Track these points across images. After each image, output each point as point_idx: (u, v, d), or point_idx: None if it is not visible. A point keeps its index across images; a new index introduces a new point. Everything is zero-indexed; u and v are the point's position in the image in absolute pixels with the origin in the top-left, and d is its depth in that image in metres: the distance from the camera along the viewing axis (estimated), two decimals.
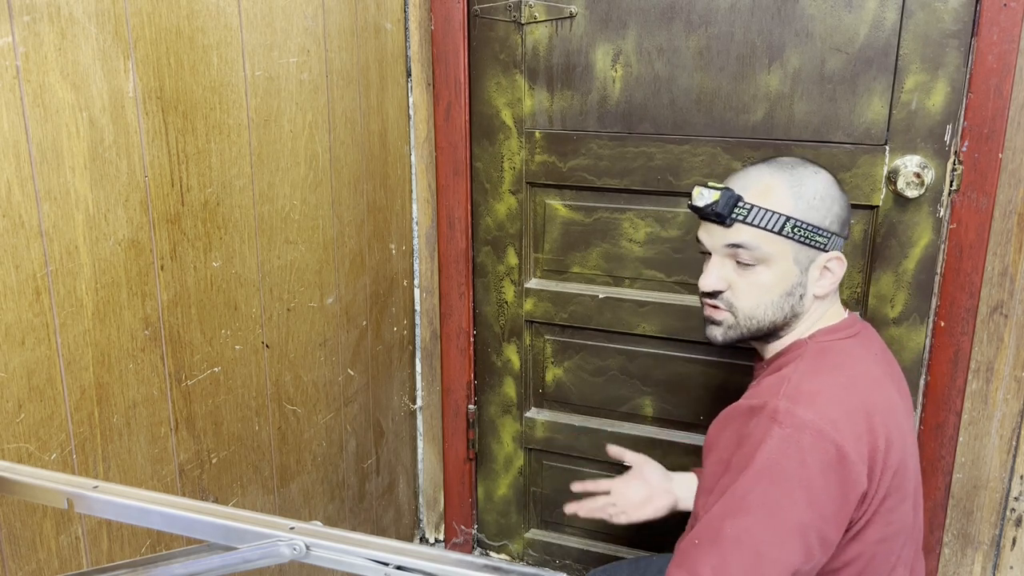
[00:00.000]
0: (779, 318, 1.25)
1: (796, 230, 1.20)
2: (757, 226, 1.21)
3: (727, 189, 1.22)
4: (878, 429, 1.16)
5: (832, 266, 1.23)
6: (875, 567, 1.19)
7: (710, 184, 1.24)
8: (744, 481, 1.11)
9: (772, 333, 1.27)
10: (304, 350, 1.62)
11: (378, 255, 1.84)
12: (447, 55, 1.85)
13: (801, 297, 1.24)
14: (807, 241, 1.21)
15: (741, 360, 1.81)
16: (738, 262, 1.24)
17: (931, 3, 1.52)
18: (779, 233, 1.20)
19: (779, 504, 1.09)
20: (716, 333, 1.29)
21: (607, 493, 1.48)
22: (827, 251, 1.22)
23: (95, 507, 0.84)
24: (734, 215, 1.21)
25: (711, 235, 1.26)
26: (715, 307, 1.28)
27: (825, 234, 1.21)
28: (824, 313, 1.27)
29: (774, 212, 1.20)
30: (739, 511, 1.10)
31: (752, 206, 1.21)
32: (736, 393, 1.65)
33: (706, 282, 1.26)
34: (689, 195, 1.74)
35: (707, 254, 1.28)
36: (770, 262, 1.22)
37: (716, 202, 1.22)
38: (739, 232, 1.22)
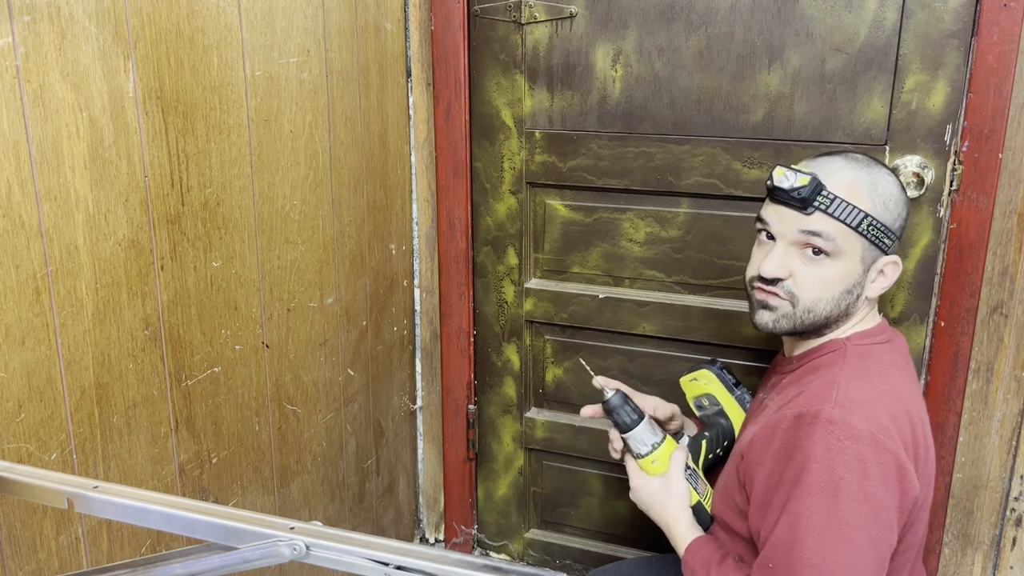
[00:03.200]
0: (834, 314, 1.22)
1: (871, 228, 1.19)
2: (837, 217, 1.18)
3: (814, 175, 1.19)
4: (919, 438, 1.15)
5: (888, 270, 1.22)
6: None
7: (793, 167, 1.21)
8: (806, 498, 1.08)
9: (819, 329, 1.25)
10: (304, 350, 1.62)
11: (378, 255, 1.84)
12: (447, 55, 1.85)
13: (858, 297, 1.22)
14: (877, 241, 1.20)
15: (743, 360, 1.81)
16: (811, 251, 1.20)
17: (931, 3, 1.52)
18: (855, 228, 1.18)
19: (847, 523, 1.07)
20: (767, 319, 1.25)
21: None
22: (888, 253, 1.22)
23: (95, 507, 0.84)
24: (817, 203, 1.18)
25: (782, 220, 1.21)
26: (773, 293, 1.24)
27: (892, 235, 1.21)
28: (865, 316, 1.26)
29: (855, 206, 1.18)
30: (808, 533, 1.07)
31: (835, 197, 1.18)
32: None
33: (769, 267, 1.21)
34: (690, 195, 1.76)
35: (765, 236, 1.25)
36: (840, 256, 1.19)
37: (804, 186, 1.18)
38: (818, 221, 1.19)
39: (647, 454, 1.31)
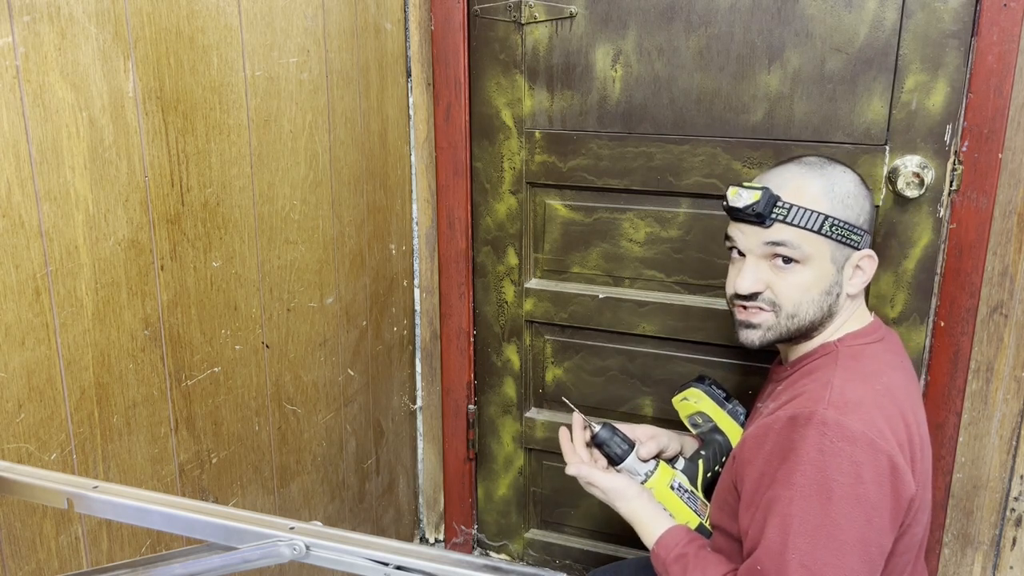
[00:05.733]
0: (818, 317, 1.23)
1: (834, 228, 1.19)
2: (797, 225, 1.19)
3: (765, 189, 1.20)
4: (914, 438, 1.15)
5: (864, 264, 1.23)
6: None
7: (745, 184, 1.23)
8: (799, 500, 1.08)
9: (807, 333, 1.25)
10: (304, 350, 1.62)
11: (378, 255, 1.84)
12: (447, 55, 1.85)
13: (838, 296, 1.23)
14: (843, 239, 1.20)
15: (742, 360, 1.81)
16: (778, 260, 1.21)
17: (931, 3, 1.52)
18: (818, 232, 1.19)
19: (839, 526, 1.06)
20: (754, 337, 1.26)
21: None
22: (860, 249, 1.22)
23: (95, 507, 0.84)
24: (774, 215, 1.20)
25: (746, 236, 1.23)
26: (755, 309, 1.25)
27: (859, 231, 1.21)
28: (852, 315, 1.26)
29: (813, 211, 1.19)
30: (800, 535, 1.07)
31: (791, 205, 1.19)
32: (735, 394, 1.66)
33: (743, 284, 1.23)
34: (690, 195, 1.76)
35: (736, 253, 1.27)
36: (809, 261, 1.20)
37: (757, 202, 1.19)
38: (779, 231, 1.20)
39: (642, 483, 1.34)
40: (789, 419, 1.13)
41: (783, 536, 1.08)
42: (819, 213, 1.19)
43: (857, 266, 1.23)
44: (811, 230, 1.19)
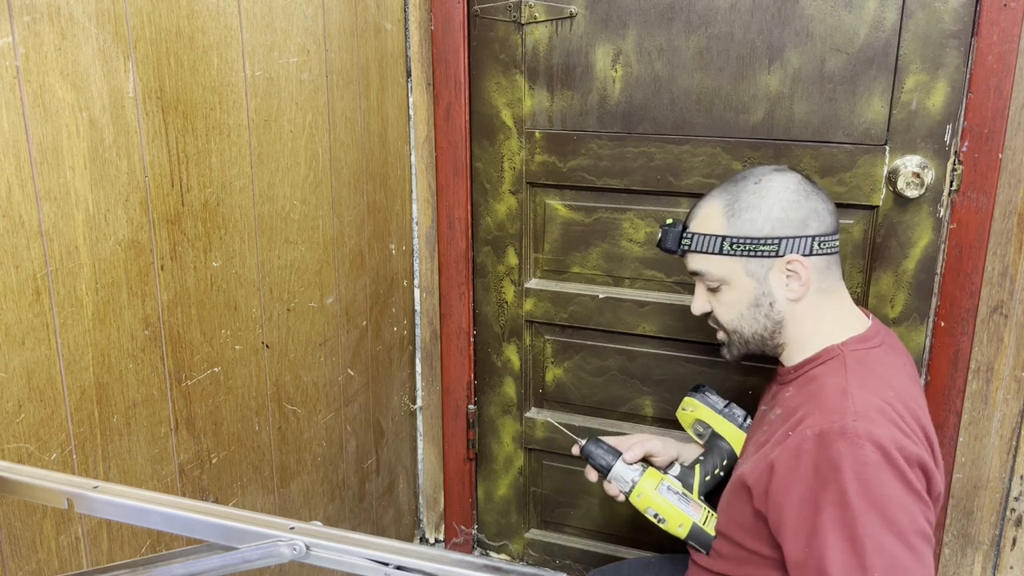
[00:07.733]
0: (760, 329, 1.27)
1: (735, 246, 1.24)
2: (701, 251, 1.27)
3: (670, 225, 1.30)
4: (931, 438, 1.17)
5: (795, 268, 1.22)
6: None
7: (667, 221, 1.33)
8: (860, 518, 1.06)
9: (768, 345, 1.29)
10: (304, 350, 1.62)
11: (378, 255, 1.84)
12: (447, 55, 1.85)
13: (771, 304, 1.25)
14: (750, 253, 1.23)
15: (742, 361, 1.80)
16: (705, 286, 1.31)
17: (931, 3, 1.52)
18: (720, 253, 1.24)
19: (905, 531, 1.06)
20: (724, 352, 1.36)
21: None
22: (782, 256, 1.22)
23: (95, 507, 0.84)
24: (682, 246, 1.29)
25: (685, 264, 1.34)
26: (714, 328, 1.35)
27: (768, 242, 1.22)
28: (825, 314, 1.25)
29: (710, 235, 1.26)
30: (874, 552, 1.05)
31: (693, 235, 1.28)
32: (736, 393, 1.66)
33: (693, 308, 1.35)
34: (690, 195, 1.76)
35: None
36: (728, 281, 1.27)
37: (661, 240, 1.31)
38: (691, 261, 1.30)
39: (631, 490, 1.37)
40: (818, 437, 1.11)
41: (859, 559, 1.06)
42: (715, 236, 1.25)
43: (788, 272, 1.23)
44: (713, 253, 1.25)
